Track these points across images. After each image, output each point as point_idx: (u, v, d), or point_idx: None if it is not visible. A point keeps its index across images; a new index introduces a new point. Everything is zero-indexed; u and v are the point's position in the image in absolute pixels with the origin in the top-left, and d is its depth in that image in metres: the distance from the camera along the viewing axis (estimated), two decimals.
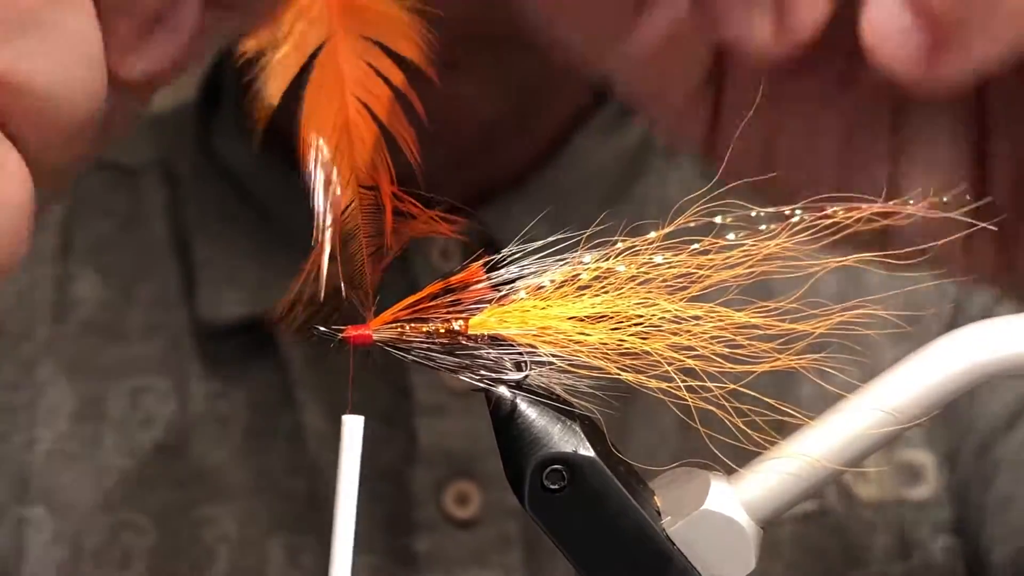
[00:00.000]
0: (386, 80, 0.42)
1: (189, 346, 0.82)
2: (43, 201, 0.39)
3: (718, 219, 0.42)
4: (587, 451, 0.41)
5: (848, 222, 0.43)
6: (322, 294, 0.42)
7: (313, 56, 0.41)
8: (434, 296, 0.43)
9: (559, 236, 0.42)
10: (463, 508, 0.77)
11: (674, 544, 0.40)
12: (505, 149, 0.81)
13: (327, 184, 0.41)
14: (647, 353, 0.42)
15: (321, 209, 0.41)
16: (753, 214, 0.42)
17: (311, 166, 0.42)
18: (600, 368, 0.42)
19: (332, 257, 0.42)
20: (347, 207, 0.42)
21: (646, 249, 0.43)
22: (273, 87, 0.40)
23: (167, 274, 0.84)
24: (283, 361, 0.80)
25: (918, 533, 0.79)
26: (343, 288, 0.43)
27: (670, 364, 0.42)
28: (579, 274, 0.43)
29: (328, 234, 0.42)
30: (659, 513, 0.41)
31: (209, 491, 0.79)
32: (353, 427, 0.41)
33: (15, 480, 0.79)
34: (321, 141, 0.41)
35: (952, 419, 0.80)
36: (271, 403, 0.80)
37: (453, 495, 0.77)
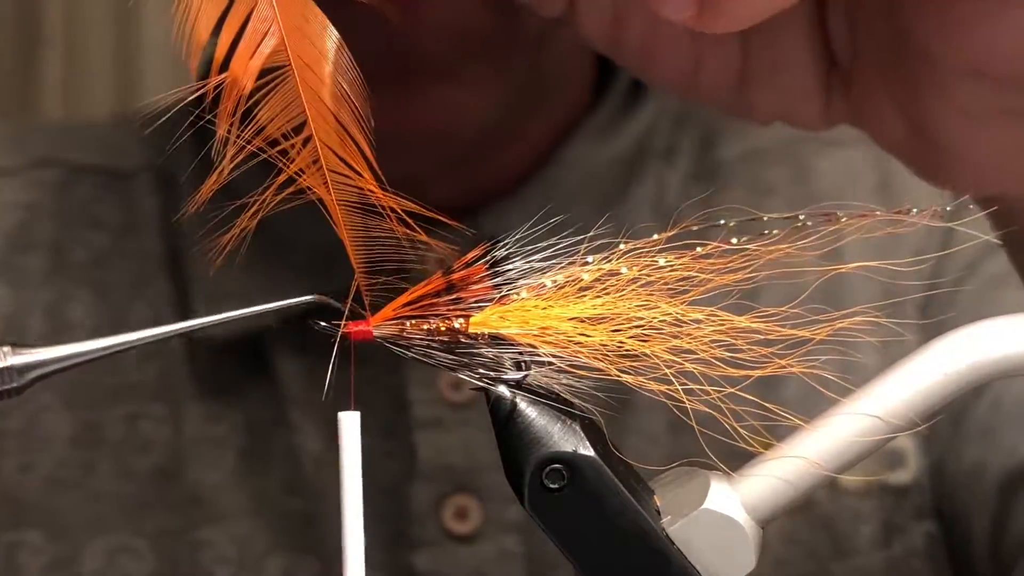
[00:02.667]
0: None
1: (183, 367, 0.81)
2: None
3: (722, 223, 0.42)
4: (587, 451, 0.40)
5: (852, 229, 0.43)
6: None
7: None
8: (436, 293, 0.43)
9: (557, 234, 0.42)
10: (463, 523, 0.76)
11: (674, 543, 0.40)
12: (501, 155, 0.81)
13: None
14: (646, 356, 0.42)
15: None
16: (765, 219, 0.42)
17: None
18: (600, 369, 0.42)
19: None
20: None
21: (649, 252, 0.42)
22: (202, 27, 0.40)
23: (160, 291, 0.83)
24: (278, 379, 0.80)
25: (900, 519, 0.78)
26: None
27: (669, 367, 0.42)
28: (581, 275, 0.42)
29: None
30: (659, 512, 0.41)
31: (206, 514, 0.78)
32: (350, 423, 0.41)
33: (6, 504, 0.79)
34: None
35: None
36: (266, 423, 0.79)
37: (452, 510, 0.76)
